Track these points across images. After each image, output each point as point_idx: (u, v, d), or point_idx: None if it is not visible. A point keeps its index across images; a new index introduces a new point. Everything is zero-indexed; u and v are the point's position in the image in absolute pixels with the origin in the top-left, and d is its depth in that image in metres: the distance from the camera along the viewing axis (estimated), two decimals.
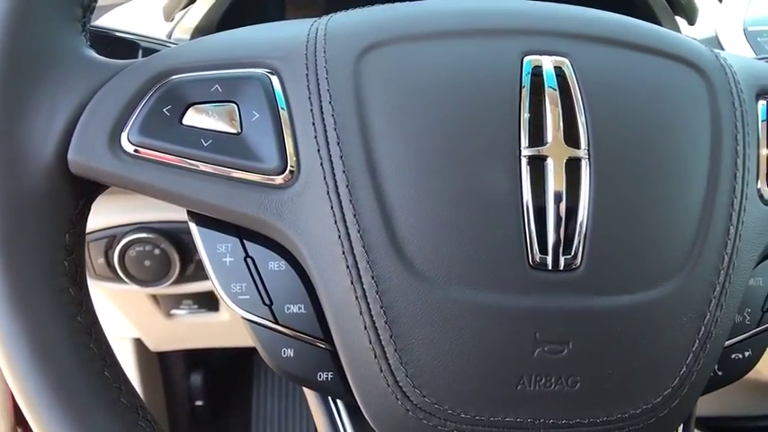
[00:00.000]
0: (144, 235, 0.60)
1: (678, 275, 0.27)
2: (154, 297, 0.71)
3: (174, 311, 0.73)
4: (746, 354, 0.32)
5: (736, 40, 0.63)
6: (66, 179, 0.28)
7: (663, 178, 0.28)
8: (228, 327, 0.73)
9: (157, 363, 0.89)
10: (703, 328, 0.28)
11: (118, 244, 0.61)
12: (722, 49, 0.63)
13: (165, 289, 0.63)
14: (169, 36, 0.62)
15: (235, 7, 0.63)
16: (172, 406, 0.94)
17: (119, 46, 0.42)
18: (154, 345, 0.81)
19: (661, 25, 0.63)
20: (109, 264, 0.62)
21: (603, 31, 0.30)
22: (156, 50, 0.43)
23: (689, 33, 0.65)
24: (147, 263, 0.61)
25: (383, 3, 0.32)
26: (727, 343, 0.31)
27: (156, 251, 0.61)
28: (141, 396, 0.89)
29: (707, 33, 0.65)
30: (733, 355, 0.31)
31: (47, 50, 0.27)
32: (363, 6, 0.32)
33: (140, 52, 0.42)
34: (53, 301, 0.27)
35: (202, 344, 0.83)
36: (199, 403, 0.99)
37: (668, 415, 0.28)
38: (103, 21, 0.66)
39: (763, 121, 0.31)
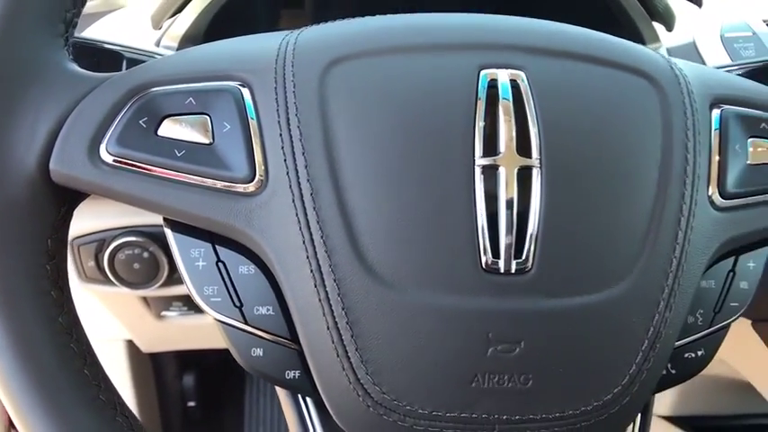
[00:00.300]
0: (133, 239, 0.61)
1: (627, 278, 0.29)
2: (144, 299, 0.72)
3: (164, 313, 0.74)
4: (699, 353, 0.33)
5: (714, 46, 0.64)
6: (48, 188, 0.29)
7: (612, 185, 0.29)
8: (218, 328, 0.74)
9: (150, 364, 0.90)
10: (653, 329, 0.29)
11: (108, 247, 0.62)
12: (699, 55, 0.65)
13: (154, 291, 0.64)
14: (158, 44, 0.63)
15: (222, 15, 0.64)
16: (164, 407, 0.95)
17: (104, 57, 0.43)
18: (145, 346, 0.82)
19: (639, 32, 0.65)
20: (99, 267, 0.63)
21: (559, 45, 0.32)
22: (140, 60, 0.44)
23: (667, 39, 0.66)
24: (137, 266, 0.62)
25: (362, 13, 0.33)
26: (680, 343, 0.32)
27: (145, 254, 0.62)
28: (134, 397, 0.89)
29: (685, 39, 0.66)
30: (686, 355, 0.33)
31: (30, 65, 0.29)
32: (348, 13, 0.33)
33: (125, 62, 0.44)
34: (36, 303, 0.29)
35: (193, 345, 0.84)
36: (191, 404, 1.00)
37: (619, 412, 0.29)
38: (93, 29, 0.67)
39: (715, 129, 0.32)
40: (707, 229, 0.31)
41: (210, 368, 1.03)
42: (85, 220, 0.61)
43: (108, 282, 0.64)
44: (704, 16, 0.69)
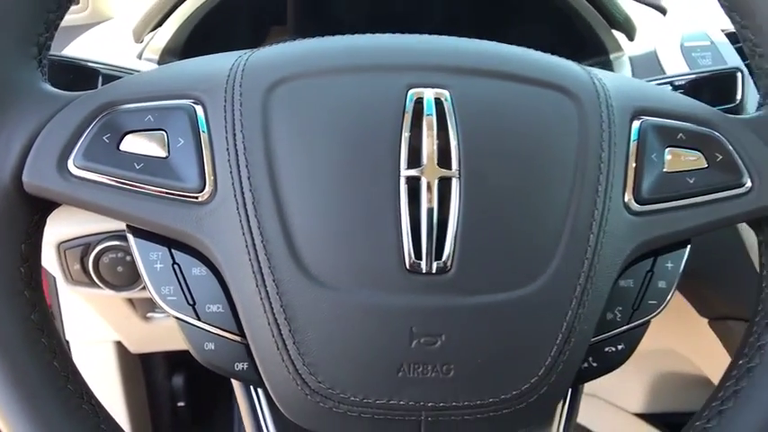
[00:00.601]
0: (117, 243, 0.64)
1: (541, 278, 0.31)
2: (130, 301, 0.74)
3: (149, 314, 0.77)
4: (619, 347, 0.35)
5: (673, 55, 0.66)
6: (21, 198, 0.32)
7: (527, 193, 0.32)
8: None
9: (139, 365, 0.92)
10: (566, 324, 0.32)
11: (92, 251, 0.64)
12: (660, 63, 0.67)
13: (137, 293, 0.67)
14: (140, 56, 0.66)
15: (201, 29, 0.67)
16: (154, 407, 0.97)
17: (81, 73, 0.46)
18: (133, 347, 0.84)
19: (602, 42, 0.67)
20: (84, 270, 0.66)
21: (482, 64, 0.34)
22: (116, 76, 0.47)
23: (630, 49, 0.68)
24: (120, 269, 0.65)
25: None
26: (599, 338, 0.34)
27: (128, 258, 0.64)
28: (124, 397, 0.92)
29: (647, 48, 0.68)
30: (606, 349, 0.35)
31: (5, 86, 0.32)
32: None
33: (100, 78, 0.47)
34: (10, 302, 0.32)
35: (180, 346, 0.86)
36: (181, 404, 1.02)
37: (538, 400, 0.32)
38: (80, 41, 0.70)
39: (634, 140, 0.35)
40: (621, 233, 0.33)
41: (200, 368, 1.04)
42: (71, 226, 0.63)
43: (93, 284, 0.66)
44: (667, 26, 0.71)
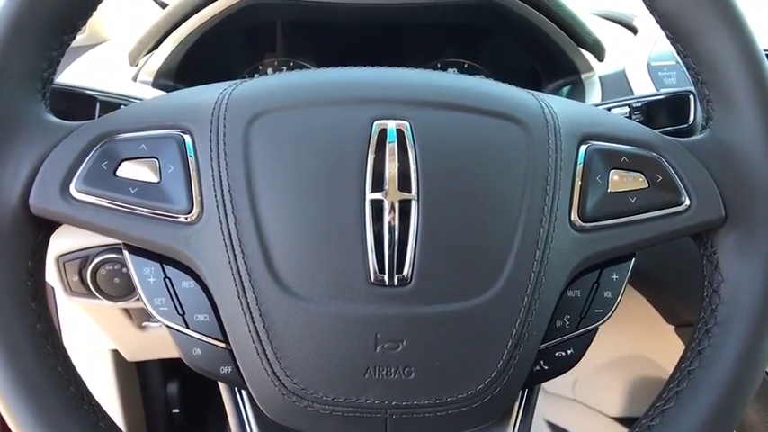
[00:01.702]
0: (113, 255, 0.66)
1: (491, 289, 0.35)
2: (126, 311, 0.77)
3: (145, 324, 0.79)
4: (569, 352, 0.39)
5: (640, 74, 0.69)
6: (28, 218, 0.36)
7: (479, 213, 0.35)
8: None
9: (135, 372, 0.95)
10: (515, 331, 0.35)
11: (90, 263, 0.67)
12: (628, 82, 0.70)
13: (133, 303, 0.70)
14: (135, 78, 0.70)
15: (194, 52, 0.71)
16: (150, 414, 1.00)
17: (79, 101, 0.50)
18: (130, 355, 0.87)
19: (573, 62, 0.71)
20: (83, 281, 0.68)
21: (440, 97, 0.38)
22: (113, 103, 0.51)
23: (600, 68, 0.72)
24: (117, 280, 0.67)
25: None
26: (549, 343, 0.38)
27: (125, 270, 0.67)
28: (120, 404, 0.95)
29: (616, 68, 0.71)
30: (556, 353, 0.39)
31: (14, 119, 0.35)
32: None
33: (98, 105, 0.50)
34: (19, 312, 0.35)
35: (174, 354, 0.89)
36: (176, 411, 1.04)
37: (492, 400, 0.35)
38: (78, 65, 0.73)
39: (580, 163, 0.38)
40: (566, 248, 0.36)
41: (195, 376, 1.07)
42: (70, 239, 0.66)
43: (91, 295, 0.69)
44: (636, 45, 0.74)
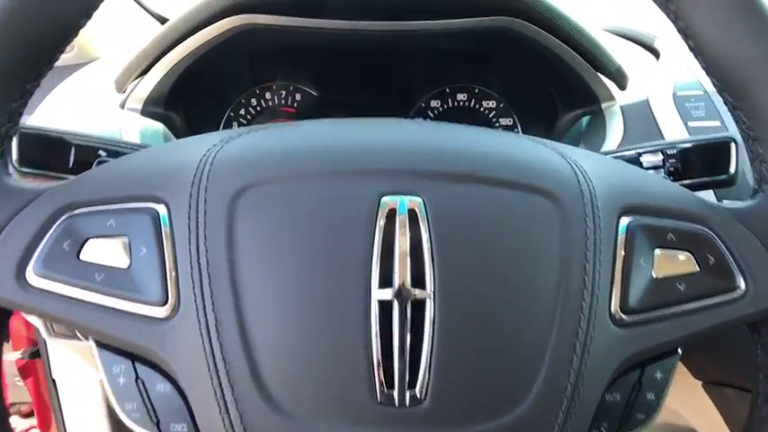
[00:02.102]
0: None
1: (523, 403, 0.30)
2: None
3: None
4: None
5: (665, 104, 0.64)
6: None
7: (507, 313, 0.30)
8: None
9: None
10: None
11: None
12: (652, 112, 0.65)
13: None
14: (122, 105, 0.65)
15: (187, 77, 0.66)
16: None
17: (52, 146, 0.45)
18: None
19: (593, 92, 0.65)
20: None
21: (457, 168, 0.32)
22: (88, 146, 0.46)
23: (621, 97, 0.67)
24: None
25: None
26: None
27: None
28: None
29: (639, 97, 0.66)
30: None
31: None
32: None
33: (73, 150, 0.45)
34: None
35: None
36: None
37: None
38: (61, 88, 0.68)
39: (621, 243, 0.32)
40: (607, 348, 0.31)
41: None
42: None
43: (74, 336, 0.66)
44: (660, 71, 0.69)
